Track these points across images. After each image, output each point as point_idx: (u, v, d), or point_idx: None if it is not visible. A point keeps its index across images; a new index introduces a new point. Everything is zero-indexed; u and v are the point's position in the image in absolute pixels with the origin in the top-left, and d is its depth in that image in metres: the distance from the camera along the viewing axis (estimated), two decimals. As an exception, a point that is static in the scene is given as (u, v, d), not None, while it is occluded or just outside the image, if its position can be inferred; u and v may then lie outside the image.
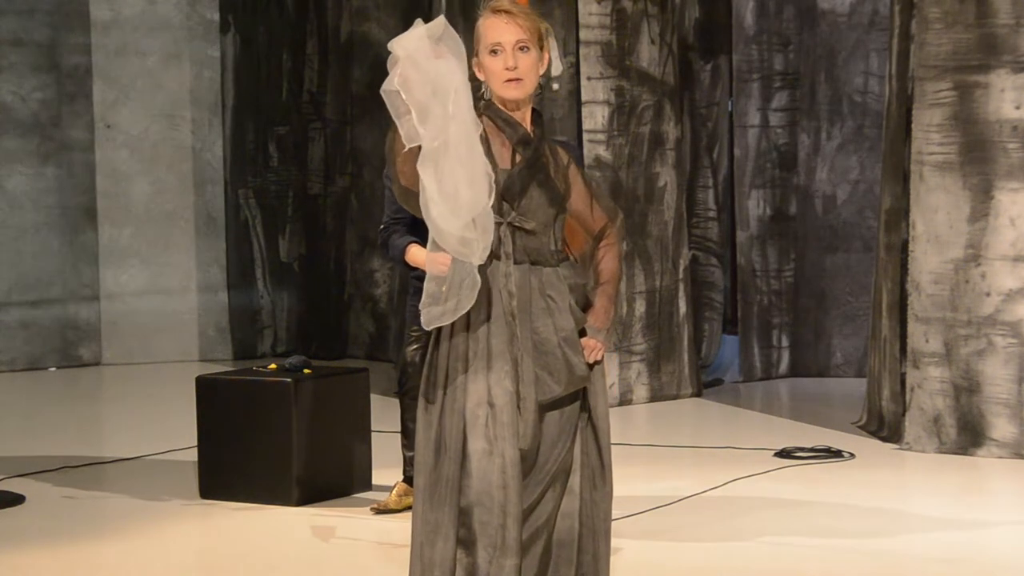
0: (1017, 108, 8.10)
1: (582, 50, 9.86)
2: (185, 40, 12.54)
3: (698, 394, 10.44)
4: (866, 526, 6.76)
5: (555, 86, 9.76)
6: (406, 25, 3.89)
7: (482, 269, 4.01)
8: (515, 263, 4.11)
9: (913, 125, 8.43)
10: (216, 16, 12.59)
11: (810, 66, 11.22)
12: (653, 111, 10.09)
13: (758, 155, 11.13)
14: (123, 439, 9.25)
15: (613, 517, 4.31)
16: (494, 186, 3.94)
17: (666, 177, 10.18)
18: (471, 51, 4.16)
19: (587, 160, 9.66)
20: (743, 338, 11.12)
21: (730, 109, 11.23)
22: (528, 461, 4.09)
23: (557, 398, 4.12)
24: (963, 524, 6.80)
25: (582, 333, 4.20)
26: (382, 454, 7.73)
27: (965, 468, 8.01)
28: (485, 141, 4.08)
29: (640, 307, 10.08)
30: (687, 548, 6.46)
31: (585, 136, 9.85)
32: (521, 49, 4.10)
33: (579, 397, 4.19)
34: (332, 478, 7.39)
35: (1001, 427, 8.17)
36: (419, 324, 4.07)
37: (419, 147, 3.85)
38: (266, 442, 7.25)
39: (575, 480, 4.17)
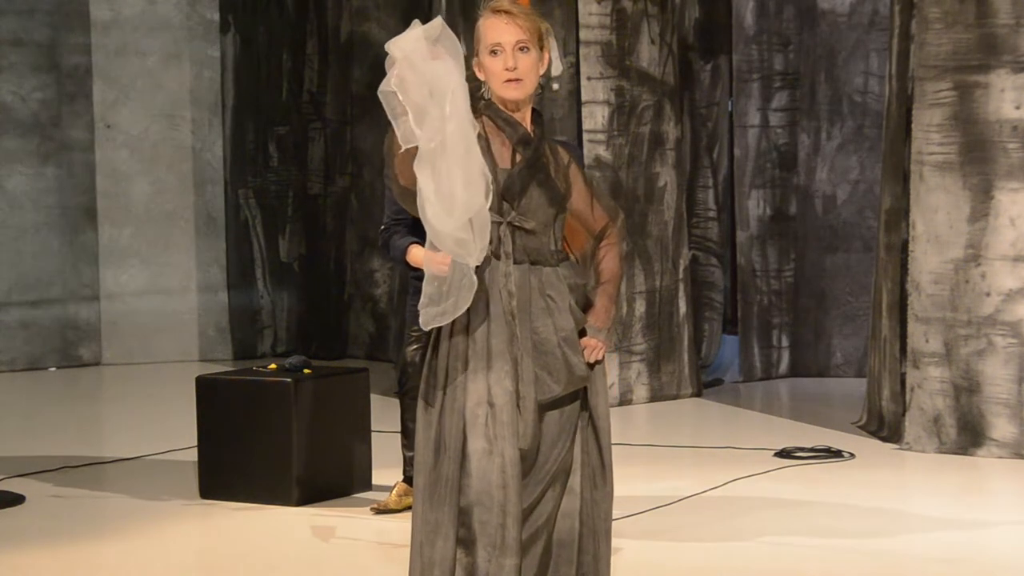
0: (1017, 108, 8.10)
1: (582, 50, 9.86)
2: (185, 40, 12.54)
3: (698, 394, 10.44)
4: (866, 526, 6.76)
5: (555, 86, 9.77)
6: (406, 25, 3.89)
7: (482, 269, 4.01)
8: (515, 263, 4.11)
9: (913, 125, 8.43)
10: (216, 16, 12.59)
11: (810, 66, 11.22)
12: (653, 111, 10.09)
13: (758, 155, 11.13)
14: (123, 439, 9.25)
15: (613, 517, 4.31)
16: (492, 187, 3.94)
17: (666, 177, 10.18)
18: (471, 51, 4.16)
19: (587, 160, 9.66)
20: (743, 338, 11.13)
21: (730, 109, 11.23)
22: (528, 461, 4.09)
23: (557, 398, 4.12)
24: (963, 524, 6.80)
25: (582, 333, 4.20)
26: (382, 454, 7.73)
27: (965, 468, 8.01)
28: (485, 141, 4.08)
29: (640, 307, 10.08)
30: (687, 548, 6.46)
31: (585, 136, 9.85)
32: (521, 49, 4.10)
33: (579, 397, 4.19)
34: (332, 478, 7.39)
35: (1001, 427, 8.17)
36: (419, 324, 4.07)
37: (417, 147, 3.85)
38: (266, 442, 7.25)
39: (575, 480, 4.17)
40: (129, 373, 12.11)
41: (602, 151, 9.90)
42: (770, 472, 7.88)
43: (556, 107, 9.86)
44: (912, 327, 8.42)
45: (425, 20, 3.90)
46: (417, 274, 6.31)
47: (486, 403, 4.06)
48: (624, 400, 9.97)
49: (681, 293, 10.33)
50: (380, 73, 3.86)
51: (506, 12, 4.11)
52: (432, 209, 3.85)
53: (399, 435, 7.03)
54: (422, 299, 3.99)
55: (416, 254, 6.24)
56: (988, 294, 8.18)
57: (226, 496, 7.30)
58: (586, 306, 4.24)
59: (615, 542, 4.38)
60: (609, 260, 4.30)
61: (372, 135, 12.29)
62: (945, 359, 8.30)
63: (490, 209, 3.99)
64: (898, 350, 8.66)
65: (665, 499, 7.21)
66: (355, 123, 12.66)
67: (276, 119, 12.81)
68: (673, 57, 10.26)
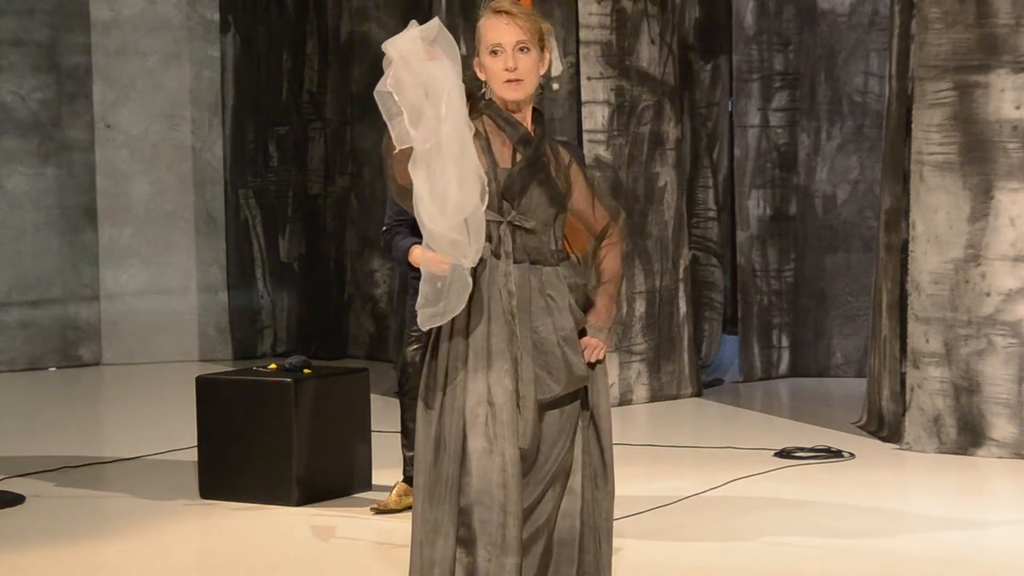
0: (1017, 108, 8.10)
1: (582, 50, 9.86)
2: (185, 40, 12.54)
3: (698, 394, 10.44)
4: (866, 526, 6.76)
5: (555, 86, 9.77)
6: (406, 25, 3.89)
7: (482, 268, 4.01)
8: (515, 262, 4.11)
9: (913, 125, 8.43)
10: (216, 16, 12.60)
11: (810, 66, 11.22)
12: (653, 111, 10.09)
13: (758, 155, 11.13)
14: (123, 439, 9.25)
15: (614, 517, 4.31)
16: (490, 187, 3.94)
17: (666, 177, 10.18)
18: (472, 51, 4.17)
19: (587, 160, 9.65)
20: (743, 338, 11.13)
21: (730, 109, 11.23)
22: (528, 460, 4.09)
23: (556, 397, 4.12)
24: (963, 524, 6.80)
25: (583, 333, 4.20)
26: (382, 454, 7.73)
27: (965, 468, 8.01)
28: (486, 140, 4.09)
29: (640, 307, 10.08)
30: (687, 548, 6.46)
31: (585, 136, 9.85)
32: (521, 50, 4.10)
33: (579, 396, 4.19)
34: (332, 478, 7.39)
35: (1001, 427, 8.17)
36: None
37: (412, 148, 3.86)
38: (266, 442, 7.25)
39: (576, 480, 4.17)
40: (129, 373, 12.11)
41: (602, 151, 9.90)
42: (770, 472, 7.88)
43: (556, 107, 9.87)
44: (912, 327, 8.42)
45: (424, 20, 3.90)
46: (417, 274, 6.26)
47: (486, 402, 4.06)
48: (624, 400, 9.97)
49: (681, 293, 10.33)
50: (380, 73, 3.86)
51: (507, 12, 4.11)
52: (426, 209, 3.86)
53: (399, 435, 7.03)
54: (419, 299, 3.99)
55: (418, 254, 6.24)
56: (988, 294, 8.18)
57: (226, 496, 7.30)
58: (587, 306, 4.23)
59: (615, 542, 4.38)
60: (610, 260, 4.30)
61: (372, 135, 12.29)
62: (945, 359, 8.30)
63: (490, 208, 4.00)
64: (898, 350, 8.66)
65: (665, 499, 7.21)
66: (355, 123, 12.66)
67: (276, 119, 12.81)
68: (673, 57, 10.26)
